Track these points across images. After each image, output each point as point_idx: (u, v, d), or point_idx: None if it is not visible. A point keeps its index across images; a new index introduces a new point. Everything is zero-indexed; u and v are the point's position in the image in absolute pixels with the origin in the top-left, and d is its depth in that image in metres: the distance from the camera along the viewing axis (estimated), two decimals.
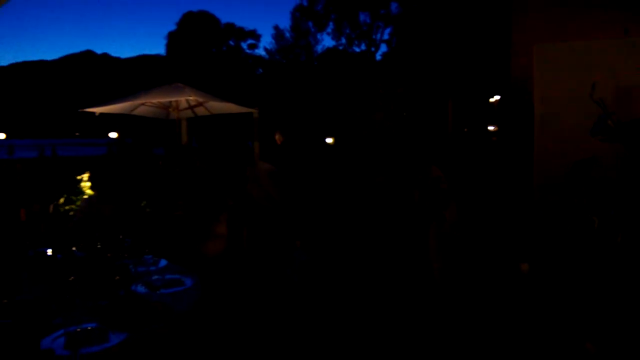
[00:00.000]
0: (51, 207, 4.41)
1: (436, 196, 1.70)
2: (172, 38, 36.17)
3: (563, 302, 4.01)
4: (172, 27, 37.57)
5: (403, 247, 1.69)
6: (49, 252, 2.45)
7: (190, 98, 7.47)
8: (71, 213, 4.70)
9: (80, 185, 6.99)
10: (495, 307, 4.07)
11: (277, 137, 7.88)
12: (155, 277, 2.43)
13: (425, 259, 1.71)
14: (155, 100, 7.69)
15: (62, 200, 6.66)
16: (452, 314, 1.68)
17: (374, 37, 33.81)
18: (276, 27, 38.05)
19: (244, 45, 38.74)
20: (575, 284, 4.09)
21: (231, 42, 37.95)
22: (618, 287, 3.62)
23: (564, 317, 3.77)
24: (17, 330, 1.72)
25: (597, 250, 3.92)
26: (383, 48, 36.14)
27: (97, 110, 7.62)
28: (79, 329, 1.79)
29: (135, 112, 8.36)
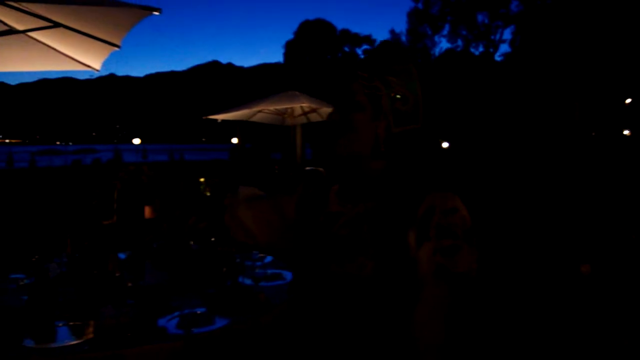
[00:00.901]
0: None
1: (442, 239, 1.12)
2: (290, 47, 37.62)
3: (610, 304, 4.01)
4: (291, 36, 39.07)
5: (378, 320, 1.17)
6: (169, 244, 2.74)
7: (304, 105, 7.79)
8: None
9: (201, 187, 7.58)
10: (547, 307, 4.12)
11: None
12: (259, 270, 2.64)
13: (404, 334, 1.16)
14: (271, 108, 8.11)
15: None
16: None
17: (492, 37, 32.49)
18: (392, 31, 37.97)
19: (359, 51, 39.19)
20: (624, 289, 4.15)
21: (346, 48, 38.60)
22: None
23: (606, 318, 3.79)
24: (138, 310, 1.98)
25: None
26: (502, 48, 34.64)
27: (219, 117, 8.22)
28: (190, 312, 2.02)
29: (254, 119, 8.87)
